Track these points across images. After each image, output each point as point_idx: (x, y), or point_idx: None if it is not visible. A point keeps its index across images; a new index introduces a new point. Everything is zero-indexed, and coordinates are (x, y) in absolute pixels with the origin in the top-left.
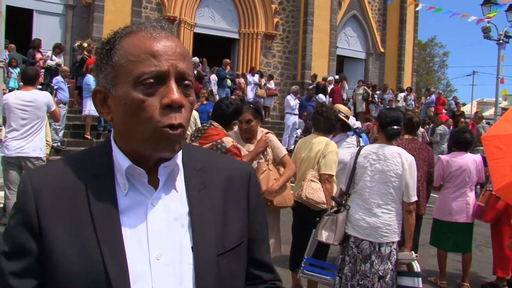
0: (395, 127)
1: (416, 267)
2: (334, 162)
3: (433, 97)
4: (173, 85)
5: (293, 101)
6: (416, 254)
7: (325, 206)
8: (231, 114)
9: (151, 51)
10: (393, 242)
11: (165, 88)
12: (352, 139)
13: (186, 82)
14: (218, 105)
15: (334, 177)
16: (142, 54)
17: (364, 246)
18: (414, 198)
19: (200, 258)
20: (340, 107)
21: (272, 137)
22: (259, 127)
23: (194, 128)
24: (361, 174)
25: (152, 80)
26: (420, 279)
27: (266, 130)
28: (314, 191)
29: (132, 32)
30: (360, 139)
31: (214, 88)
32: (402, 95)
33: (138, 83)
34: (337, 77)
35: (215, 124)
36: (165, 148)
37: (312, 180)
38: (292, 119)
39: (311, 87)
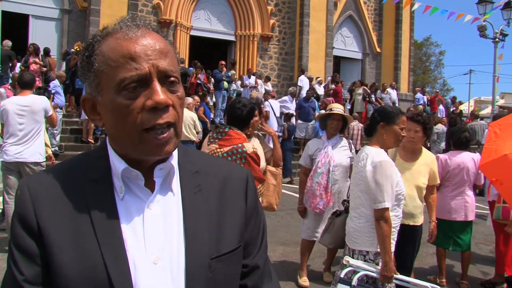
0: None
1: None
2: None
3: (419, 95)
4: (157, 86)
5: (290, 102)
6: (348, 259)
7: None
8: (246, 115)
9: (128, 53)
10: (367, 252)
11: (149, 90)
12: (345, 141)
13: (171, 79)
14: (232, 109)
15: None
16: (121, 58)
17: (346, 252)
18: (383, 205)
19: (192, 261)
20: (335, 105)
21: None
22: None
23: (193, 131)
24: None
25: (134, 84)
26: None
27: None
28: None
29: (109, 34)
30: (351, 140)
31: None
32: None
33: (121, 88)
34: (329, 79)
35: (235, 128)
36: (155, 152)
37: None
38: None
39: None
